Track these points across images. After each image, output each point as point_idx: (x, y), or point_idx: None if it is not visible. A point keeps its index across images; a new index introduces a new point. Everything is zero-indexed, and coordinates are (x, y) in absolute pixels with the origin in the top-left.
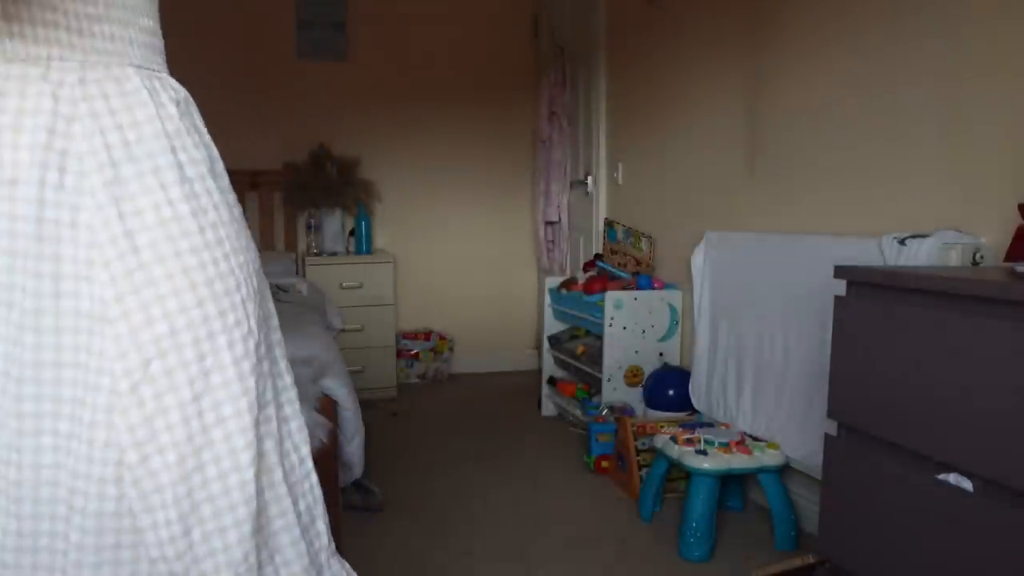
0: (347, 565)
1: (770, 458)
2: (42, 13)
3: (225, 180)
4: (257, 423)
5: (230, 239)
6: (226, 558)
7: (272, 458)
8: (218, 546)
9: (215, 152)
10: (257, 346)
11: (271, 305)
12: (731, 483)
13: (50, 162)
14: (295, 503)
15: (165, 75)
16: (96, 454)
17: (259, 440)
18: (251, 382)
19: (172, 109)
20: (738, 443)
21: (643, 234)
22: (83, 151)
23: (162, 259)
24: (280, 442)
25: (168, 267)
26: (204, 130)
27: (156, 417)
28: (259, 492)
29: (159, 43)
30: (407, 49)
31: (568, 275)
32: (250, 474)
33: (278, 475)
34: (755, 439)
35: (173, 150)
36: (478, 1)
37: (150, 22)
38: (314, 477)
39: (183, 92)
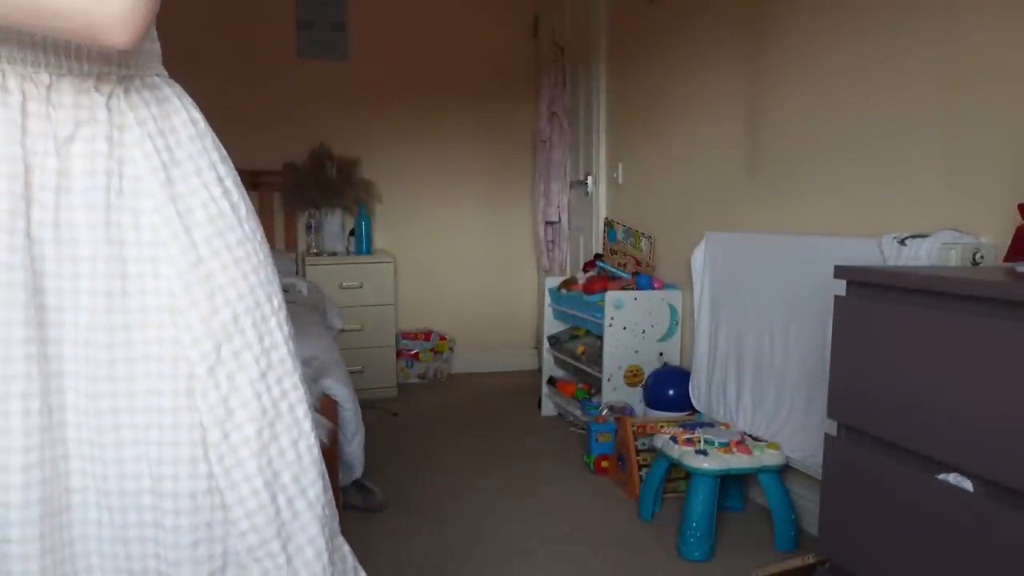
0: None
1: (770, 458)
2: None
3: (236, 175)
4: (306, 393)
5: (258, 231)
6: (311, 514)
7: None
8: (301, 506)
9: (224, 151)
10: (290, 326)
11: None
12: (731, 483)
13: (112, 169)
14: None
15: (175, 82)
16: (183, 436)
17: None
18: (296, 359)
19: (196, 113)
20: (738, 443)
21: (643, 234)
22: (136, 157)
23: (216, 252)
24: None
25: (223, 259)
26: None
27: (231, 396)
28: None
29: (160, 51)
30: (407, 49)
31: (568, 275)
32: (313, 437)
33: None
34: (755, 439)
35: (206, 151)
36: (478, 1)
37: (154, 31)
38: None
39: (190, 97)
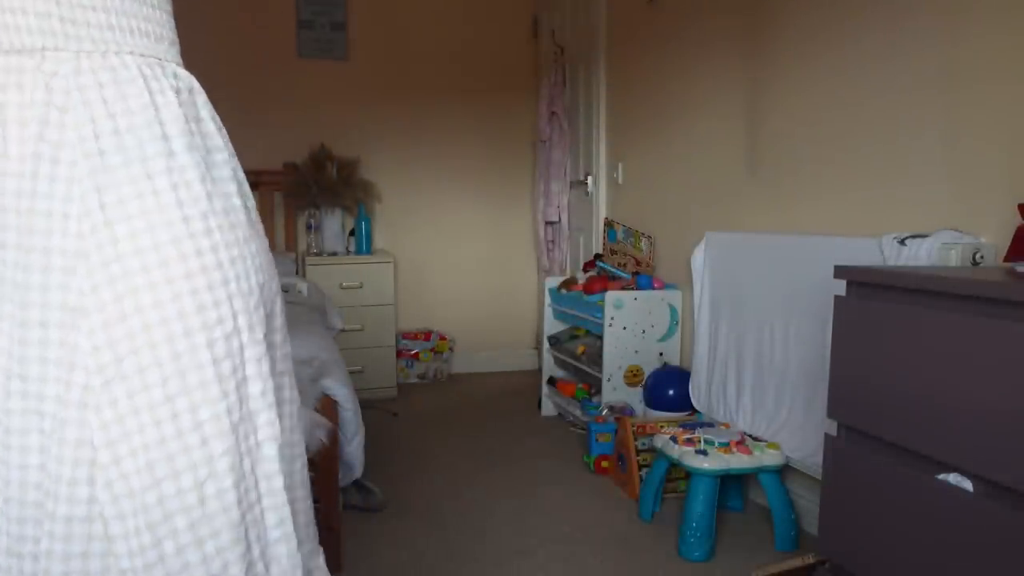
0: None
1: (770, 458)
2: (34, 3)
3: (225, 170)
4: (237, 427)
5: (221, 230)
6: (204, 571)
7: (270, 465)
8: (193, 559)
9: (217, 142)
10: (243, 347)
11: (278, 307)
12: (731, 483)
13: (43, 153)
14: (296, 513)
15: (171, 63)
16: (67, 453)
17: (246, 443)
18: (231, 384)
19: (171, 97)
20: (738, 443)
21: (643, 234)
22: (73, 140)
23: (140, 251)
24: (290, 445)
25: (145, 259)
26: (208, 119)
27: (128, 417)
28: (256, 500)
29: (167, 32)
30: (407, 49)
31: (568, 275)
32: (228, 482)
33: (278, 482)
34: (755, 439)
35: (166, 138)
36: (478, 1)
37: (154, 10)
38: (308, 483)
39: (188, 81)
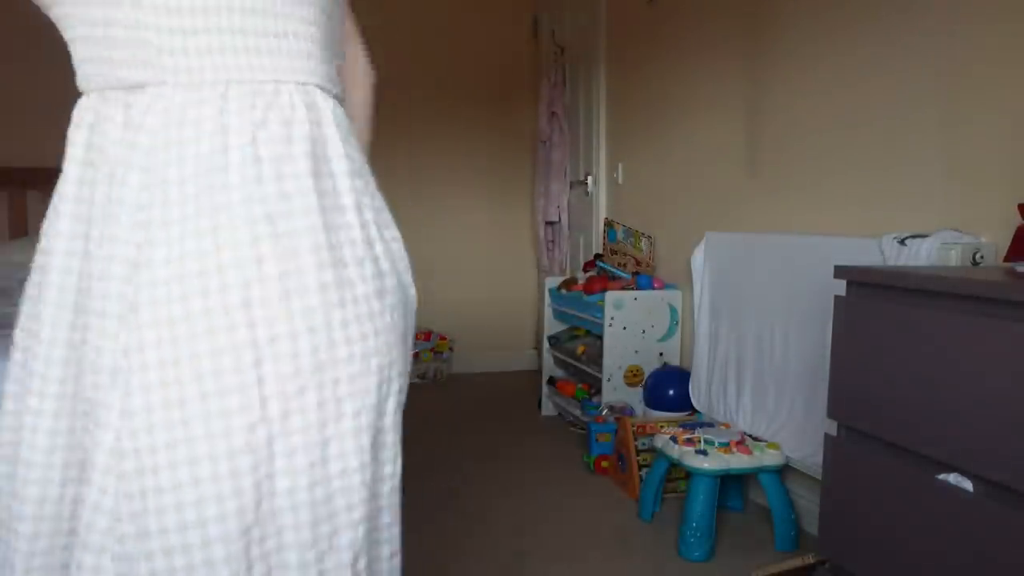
0: None
1: (770, 458)
2: (135, 33)
3: (301, 221)
4: (250, 530)
5: (264, 304)
6: None
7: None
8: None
9: (302, 184)
10: (271, 439)
11: (372, 398)
12: (731, 483)
13: (141, 202)
14: None
15: (288, 84)
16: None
17: (260, 548)
18: (247, 481)
19: (246, 136)
20: (738, 443)
21: (643, 234)
22: (146, 199)
23: (169, 322)
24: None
25: (169, 334)
26: (300, 155)
27: (143, 498)
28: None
29: (300, 44)
30: (407, 49)
31: (568, 275)
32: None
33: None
34: (755, 439)
35: (226, 188)
36: (478, 2)
37: (275, 21)
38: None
39: (291, 110)
